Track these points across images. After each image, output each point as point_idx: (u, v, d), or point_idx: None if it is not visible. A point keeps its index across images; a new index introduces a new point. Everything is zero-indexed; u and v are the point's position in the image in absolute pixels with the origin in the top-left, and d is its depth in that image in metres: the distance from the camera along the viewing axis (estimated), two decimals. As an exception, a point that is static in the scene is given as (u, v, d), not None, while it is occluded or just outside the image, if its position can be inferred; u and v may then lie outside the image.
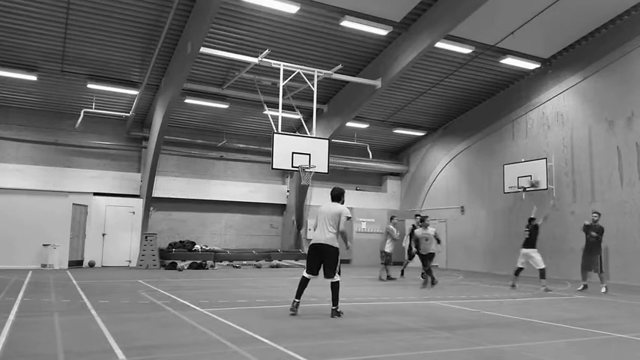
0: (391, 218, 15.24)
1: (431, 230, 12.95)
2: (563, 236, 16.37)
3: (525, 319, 7.65)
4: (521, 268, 12.73)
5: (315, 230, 7.80)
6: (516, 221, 18.10)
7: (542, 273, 12.27)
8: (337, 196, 8.07)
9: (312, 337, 6.03)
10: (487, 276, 16.92)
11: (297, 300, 7.53)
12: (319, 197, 22.06)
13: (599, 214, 12.63)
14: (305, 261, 7.99)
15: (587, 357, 5.41)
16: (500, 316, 8.01)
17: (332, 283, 7.49)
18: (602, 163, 15.58)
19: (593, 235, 12.21)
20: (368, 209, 23.03)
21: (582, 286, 12.30)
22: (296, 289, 7.62)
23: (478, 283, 14.08)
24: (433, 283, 12.58)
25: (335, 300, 7.46)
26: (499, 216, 18.96)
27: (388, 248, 14.51)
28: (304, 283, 7.60)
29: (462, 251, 20.61)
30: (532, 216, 13.28)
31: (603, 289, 11.90)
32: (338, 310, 7.42)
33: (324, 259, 7.58)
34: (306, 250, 20.87)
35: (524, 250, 12.65)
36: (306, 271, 7.65)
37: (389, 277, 14.26)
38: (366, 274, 16.25)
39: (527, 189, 16.67)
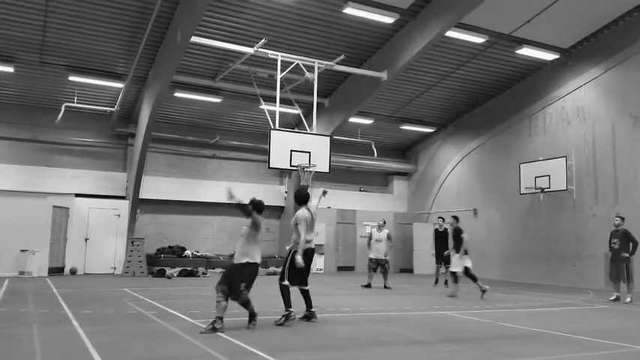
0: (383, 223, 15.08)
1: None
2: (585, 241, 16.39)
3: (542, 330, 7.67)
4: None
5: (303, 235, 7.96)
6: (534, 224, 18.14)
7: (454, 277, 12.95)
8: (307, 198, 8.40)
9: (312, 350, 6.05)
10: (502, 284, 16.94)
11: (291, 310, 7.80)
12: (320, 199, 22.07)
13: (623, 219, 12.43)
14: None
15: (609, 372, 5.44)
16: (515, 327, 8.03)
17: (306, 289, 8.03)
18: (626, 161, 15.59)
19: (614, 243, 12.22)
20: (372, 212, 23.05)
21: (614, 297, 12.22)
22: (286, 300, 7.80)
23: (492, 292, 14.10)
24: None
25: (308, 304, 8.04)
26: (515, 219, 18.98)
27: (387, 254, 14.56)
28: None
29: (475, 257, 20.52)
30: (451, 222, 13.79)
31: (628, 299, 11.89)
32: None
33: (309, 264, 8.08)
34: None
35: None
36: (297, 282, 7.96)
37: (385, 286, 14.29)
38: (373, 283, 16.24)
39: (545, 190, 16.70)
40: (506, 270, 19.05)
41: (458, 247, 12.91)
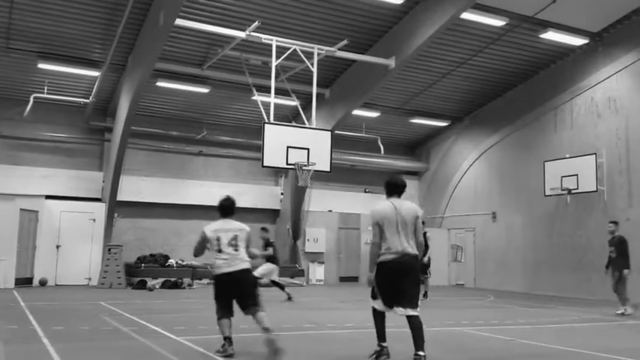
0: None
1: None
2: (617, 249, 16.38)
3: (567, 348, 7.69)
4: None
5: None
6: (560, 229, 18.14)
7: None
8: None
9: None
10: (524, 297, 16.94)
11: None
12: (320, 201, 22.11)
13: (616, 223, 12.97)
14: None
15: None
16: (539, 345, 8.04)
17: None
18: (663, 159, 15.61)
19: (612, 252, 12.59)
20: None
21: (621, 311, 12.40)
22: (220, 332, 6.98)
23: (513, 306, 14.10)
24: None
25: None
26: (538, 223, 18.98)
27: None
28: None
29: (494, 266, 20.64)
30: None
31: (619, 311, 12.26)
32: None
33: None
34: (303, 265, 20.92)
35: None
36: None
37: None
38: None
39: (572, 191, 16.70)
40: (528, 280, 19.05)
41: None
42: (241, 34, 13.64)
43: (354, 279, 22.04)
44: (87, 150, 19.58)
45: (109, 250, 17.48)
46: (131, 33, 15.39)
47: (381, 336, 6.51)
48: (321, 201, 22.22)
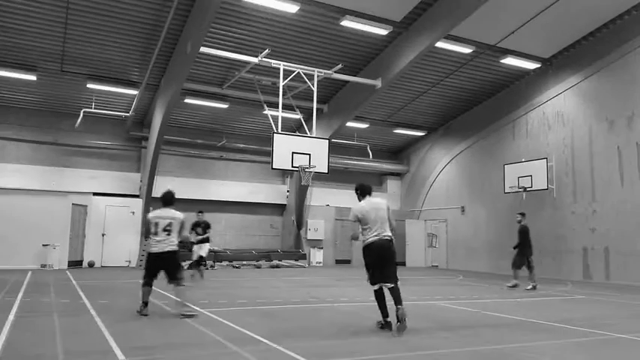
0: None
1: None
2: (564, 236, 16.39)
3: (526, 319, 7.66)
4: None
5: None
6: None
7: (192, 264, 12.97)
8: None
9: (312, 337, 6.04)
10: (489, 276, 16.92)
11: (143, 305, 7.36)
12: (319, 197, 22.10)
13: (523, 215, 13.30)
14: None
15: (587, 357, 5.42)
16: (500, 316, 8.02)
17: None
18: (602, 163, 15.59)
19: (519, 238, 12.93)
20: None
21: (512, 284, 12.71)
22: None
23: (479, 284, 14.08)
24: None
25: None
26: (500, 216, 18.96)
27: None
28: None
29: (463, 251, 20.62)
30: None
31: (509, 283, 12.70)
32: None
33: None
34: (306, 250, 20.88)
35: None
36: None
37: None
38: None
39: (527, 189, 16.69)
40: (492, 263, 19.03)
41: None
42: (254, 60, 13.60)
43: (348, 261, 22.03)
44: (127, 155, 19.54)
45: (145, 237, 17.43)
46: (164, 58, 15.35)
47: (385, 313, 6.61)
48: (321, 197, 22.22)
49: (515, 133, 18.71)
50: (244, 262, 18.77)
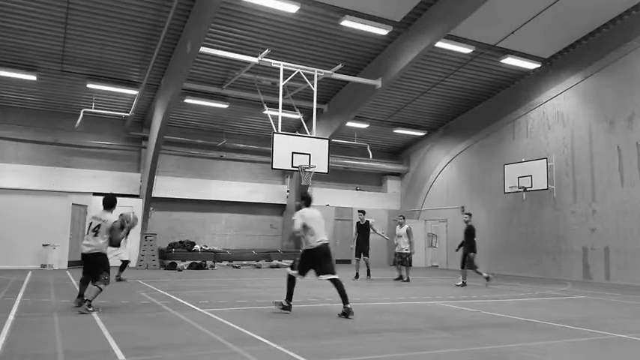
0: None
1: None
2: (564, 236, 16.38)
3: (526, 319, 7.65)
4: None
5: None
6: (517, 221, 18.12)
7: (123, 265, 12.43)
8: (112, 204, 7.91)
9: (312, 337, 6.04)
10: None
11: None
12: (319, 197, 22.07)
13: (469, 215, 13.70)
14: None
15: (587, 357, 5.42)
16: (500, 316, 8.01)
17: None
18: (602, 163, 15.59)
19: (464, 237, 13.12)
20: (367, 209, 23.01)
21: (460, 282, 12.87)
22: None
23: (479, 284, 14.07)
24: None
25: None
26: (499, 216, 18.96)
27: (408, 248, 14.39)
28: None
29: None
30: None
31: (458, 283, 12.83)
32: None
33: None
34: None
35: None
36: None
37: (401, 278, 14.15)
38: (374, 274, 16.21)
39: (527, 189, 16.68)
40: (491, 263, 18.98)
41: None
42: (254, 60, 13.61)
43: (348, 261, 22.01)
44: (127, 155, 19.54)
45: (146, 237, 17.45)
46: (164, 59, 15.35)
47: (290, 296, 7.60)
48: (320, 197, 22.17)
49: (515, 133, 18.71)
50: (244, 262, 18.77)
